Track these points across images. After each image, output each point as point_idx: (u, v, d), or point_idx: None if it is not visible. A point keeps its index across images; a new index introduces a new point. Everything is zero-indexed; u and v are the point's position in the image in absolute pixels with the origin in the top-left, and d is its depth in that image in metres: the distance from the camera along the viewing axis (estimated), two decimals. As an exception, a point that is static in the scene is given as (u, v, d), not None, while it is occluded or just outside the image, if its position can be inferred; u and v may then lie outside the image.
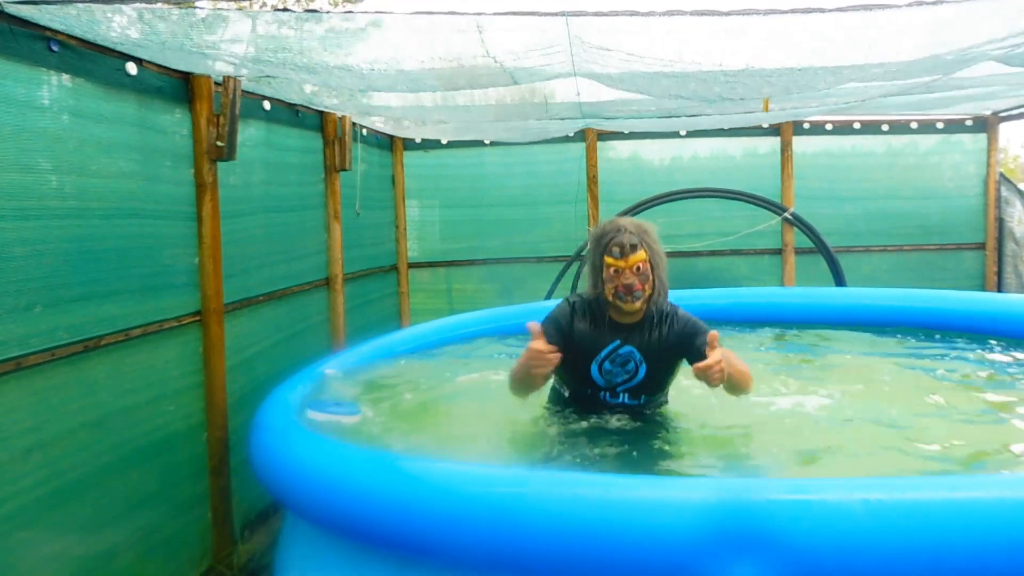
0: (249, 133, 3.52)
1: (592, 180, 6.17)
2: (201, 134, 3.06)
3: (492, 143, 6.21)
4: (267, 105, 3.70)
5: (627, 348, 2.64)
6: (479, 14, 2.61)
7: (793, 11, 2.59)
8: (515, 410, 2.86)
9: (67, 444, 2.35)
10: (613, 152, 6.30)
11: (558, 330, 2.66)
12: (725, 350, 2.39)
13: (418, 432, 3.08)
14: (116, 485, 2.56)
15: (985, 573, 1.65)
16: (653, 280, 2.61)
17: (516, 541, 1.83)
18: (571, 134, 6.11)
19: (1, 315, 2.10)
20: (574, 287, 6.03)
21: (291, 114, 4.02)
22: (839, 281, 5.83)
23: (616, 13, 2.57)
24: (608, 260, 2.59)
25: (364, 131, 5.20)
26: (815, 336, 4.66)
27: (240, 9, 2.52)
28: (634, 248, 2.57)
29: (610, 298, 2.62)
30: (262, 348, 3.66)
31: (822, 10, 2.59)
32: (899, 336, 4.51)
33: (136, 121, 2.73)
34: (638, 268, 2.57)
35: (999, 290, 6.12)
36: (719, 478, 2.32)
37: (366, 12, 2.68)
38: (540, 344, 2.41)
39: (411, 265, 6.30)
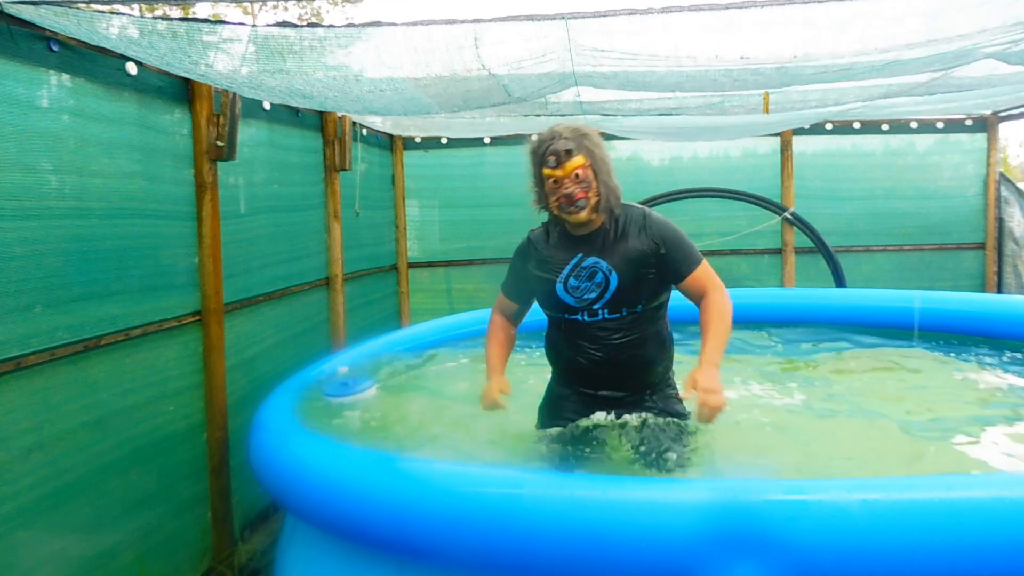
0: (249, 133, 3.52)
1: (592, 180, 6.16)
2: (201, 134, 3.06)
3: (492, 142, 6.22)
4: (267, 105, 3.71)
5: (590, 260, 2.43)
6: (476, 21, 2.60)
7: (791, 1, 2.59)
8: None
9: (67, 444, 2.35)
10: (613, 152, 6.24)
11: (519, 269, 2.60)
12: (703, 372, 2.21)
13: (420, 431, 3.09)
14: (116, 485, 2.56)
15: (983, 573, 1.65)
16: (597, 186, 2.39)
17: (515, 542, 1.83)
18: (571, 134, 6.10)
19: (1, 315, 2.11)
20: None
21: (291, 114, 4.03)
22: (839, 281, 5.83)
23: (615, 12, 2.57)
24: (546, 171, 2.39)
25: (364, 131, 5.21)
26: (814, 336, 4.65)
27: (241, 20, 2.52)
28: (570, 154, 2.35)
29: (555, 212, 2.43)
30: (262, 348, 3.66)
31: (819, 0, 2.59)
32: (898, 337, 4.51)
33: (136, 121, 2.73)
34: (577, 175, 2.36)
35: (999, 290, 6.12)
36: (718, 478, 2.32)
37: (363, 25, 2.68)
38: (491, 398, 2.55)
39: (411, 265, 6.31)
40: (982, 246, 6.19)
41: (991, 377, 3.67)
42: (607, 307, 2.43)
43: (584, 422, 2.53)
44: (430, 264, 6.36)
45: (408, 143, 6.18)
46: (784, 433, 2.90)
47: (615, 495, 1.82)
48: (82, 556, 2.41)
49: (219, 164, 3.17)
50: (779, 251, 6.14)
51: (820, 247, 5.92)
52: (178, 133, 2.99)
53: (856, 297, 5.12)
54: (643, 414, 2.49)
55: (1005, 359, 3.90)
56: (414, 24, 2.70)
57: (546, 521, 1.81)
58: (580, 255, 2.45)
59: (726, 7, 2.63)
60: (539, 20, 2.70)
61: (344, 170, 4.59)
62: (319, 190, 4.45)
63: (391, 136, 6.03)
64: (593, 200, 2.39)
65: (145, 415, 2.73)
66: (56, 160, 2.34)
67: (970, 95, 4.63)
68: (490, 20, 2.67)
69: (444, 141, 6.20)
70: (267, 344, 3.72)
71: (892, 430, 2.86)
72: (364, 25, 2.69)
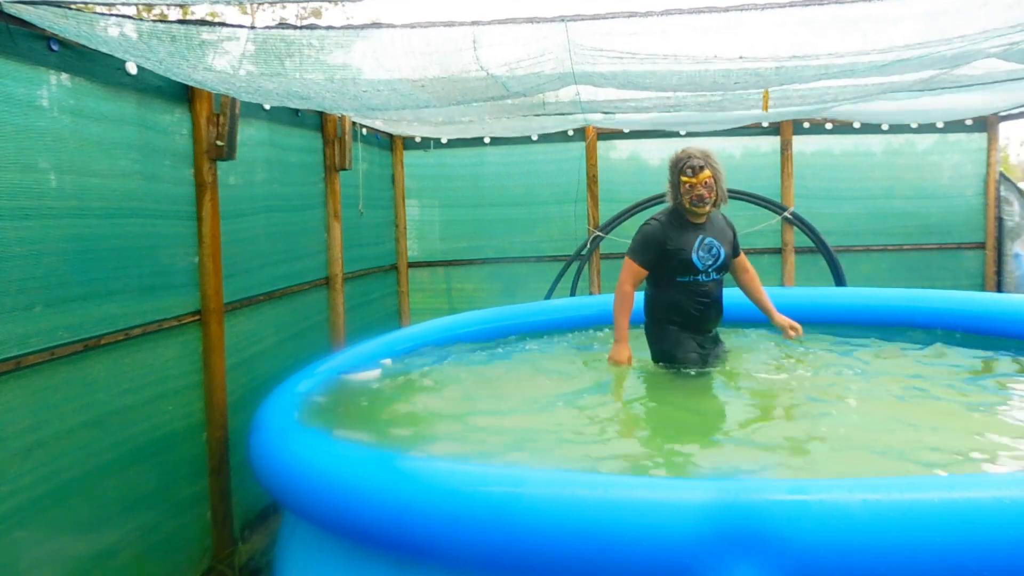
0: (249, 133, 3.52)
1: (592, 179, 6.17)
2: (201, 133, 3.06)
3: (492, 142, 6.21)
4: (267, 105, 3.70)
5: (708, 239, 3.62)
6: (475, 23, 2.60)
7: (791, 4, 2.58)
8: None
9: (66, 443, 2.35)
10: (613, 151, 6.30)
11: (656, 245, 3.59)
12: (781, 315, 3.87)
13: (422, 429, 3.09)
14: (115, 484, 2.56)
15: (984, 573, 1.65)
16: (717, 190, 3.55)
17: (515, 541, 1.83)
18: (571, 132, 6.11)
19: (1, 315, 2.10)
20: (574, 287, 6.03)
21: (291, 114, 4.02)
22: (839, 280, 5.83)
23: (614, 15, 2.57)
24: (684, 179, 3.54)
25: (364, 130, 5.20)
26: (814, 336, 4.64)
27: (239, 22, 2.51)
28: (702, 168, 3.51)
29: (688, 205, 3.56)
30: (262, 348, 3.66)
31: (820, 1, 2.58)
32: (898, 336, 4.50)
33: (136, 120, 2.73)
34: (706, 182, 3.51)
35: (999, 290, 6.12)
36: (719, 478, 2.32)
37: (362, 26, 2.67)
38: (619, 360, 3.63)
39: (411, 264, 6.30)
40: (982, 246, 6.19)
41: (995, 375, 3.66)
42: (716, 270, 3.64)
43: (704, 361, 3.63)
44: (430, 264, 6.36)
45: (408, 143, 6.18)
46: (788, 433, 2.90)
47: (617, 494, 1.82)
48: (81, 555, 2.41)
49: (219, 164, 3.17)
50: (779, 251, 6.14)
51: (820, 247, 5.92)
52: (178, 133, 2.99)
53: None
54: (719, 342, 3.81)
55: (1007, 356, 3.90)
56: (413, 26, 2.70)
57: (548, 520, 1.81)
58: (702, 236, 3.61)
59: (726, 9, 2.63)
60: (539, 22, 2.69)
61: (344, 170, 4.59)
62: (319, 190, 4.45)
63: (391, 136, 6.03)
64: (713, 198, 3.55)
65: (145, 415, 2.73)
66: (56, 160, 2.33)
67: (971, 94, 4.62)
68: (489, 23, 2.67)
69: (444, 141, 6.19)
70: (267, 344, 3.72)
71: (892, 430, 2.85)
72: (362, 27, 2.68)
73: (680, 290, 3.60)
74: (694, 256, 3.56)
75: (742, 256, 3.92)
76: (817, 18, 2.75)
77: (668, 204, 3.69)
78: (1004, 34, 2.77)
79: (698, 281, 3.59)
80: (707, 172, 3.51)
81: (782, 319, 3.84)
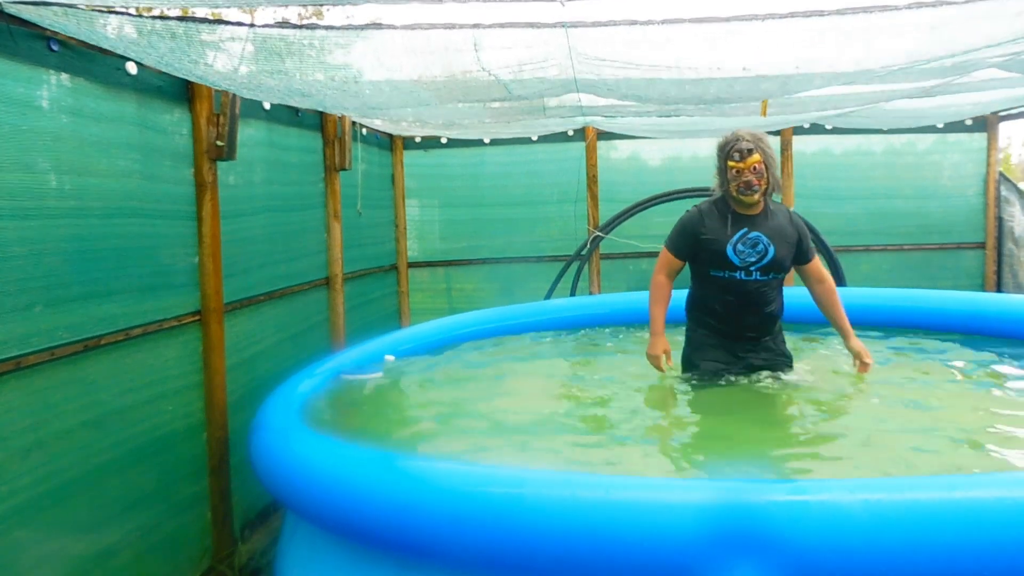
0: (249, 133, 3.51)
1: (592, 179, 6.17)
2: (201, 133, 3.05)
3: (492, 142, 6.21)
4: (267, 105, 3.70)
5: (754, 234, 3.23)
6: (476, 26, 2.60)
7: (792, 15, 2.59)
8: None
9: (66, 443, 2.35)
10: (613, 151, 6.30)
11: (690, 234, 3.31)
12: (859, 341, 3.40)
13: (424, 429, 3.09)
14: (115, 484, 2.56)
15: (985, 573, 1.65)
16: (768, 177, 3.19)
17: (516, 541, 1.83)
18: (571, 132, 6.11)
19: (1, 315, 2.10)
20: (574, 287, 6.03)
21: (291, 114, 4.02)
22: (839, 280, 5.82)
23: (615, 23, 2.57)
24: (731, 163, 3.18)
25: (364, 130, 5.20)
26: (814, 335, 4.64)
27: (239, 20, 2.51)
28: (751, 152, 3.15)
29: (734, 193, 3.20)
30: (262, 347, 3.66)
31: (821, 12, 2.59)
32: (898, 335, 4.50)
33: (136, 120, 2.73)
34: (755, 168, 3.15)
35: (998, 290, 6.12)
36: (719, 479, 2.32)
37: (362, 26, 2.67)
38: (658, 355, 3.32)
39: (411, 264, 6.30)
40: (982, 246, 6.19)
41: (994, 374, 3.66)
42: (760, 270, 3.24)
43: (731, 369, 3.33)
44: (430, 264, 6.36)
45: (408, 143, 6.18)
46: (789, 433, 2.89)
47: (618, 495, 1.82)
48: (81, 555, 2.41)
49: (219, 164, 3.17)
50: (779, 251, 6.13)
51: (820, 246, 5.91)
52: (178, 133, 2.99)
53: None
54: (764, 358, 3.36)
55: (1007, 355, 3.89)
56: (413, 28, 2.70)
57: (548, 520, 1.81)
58: (746, 228, 3.23)
59: (727, 19, 2.63)
60: (539, 27, 2.69)
61: (344, 170, 4.58)
62: (319, 190, 4.45)
63: (391, 136, 6.03)
64: (763, 186, 3.19)
65: (145, 414, 2.73)
66: (56, 160, 2.33)
67: (970, 97, 4.63)
68: (489, 26, 2.67)
69: (444, 141, 6.19)
70: (267, 344, 3.72)
71: (893, 429, 2.85)
72: (363, 27, 2.68)
73: (713, 287, 3.30)
74: (729, 249, 3.21)
75: (815, 263, 3.43)
76: (818, 28, 2.74)
77: (716, 192, 3.35)
78: (1008, 45, 2.77)
79: (735, 279, 3.24)
80: (756, 156, 3.14)
81: (858, 345, 3.37)
